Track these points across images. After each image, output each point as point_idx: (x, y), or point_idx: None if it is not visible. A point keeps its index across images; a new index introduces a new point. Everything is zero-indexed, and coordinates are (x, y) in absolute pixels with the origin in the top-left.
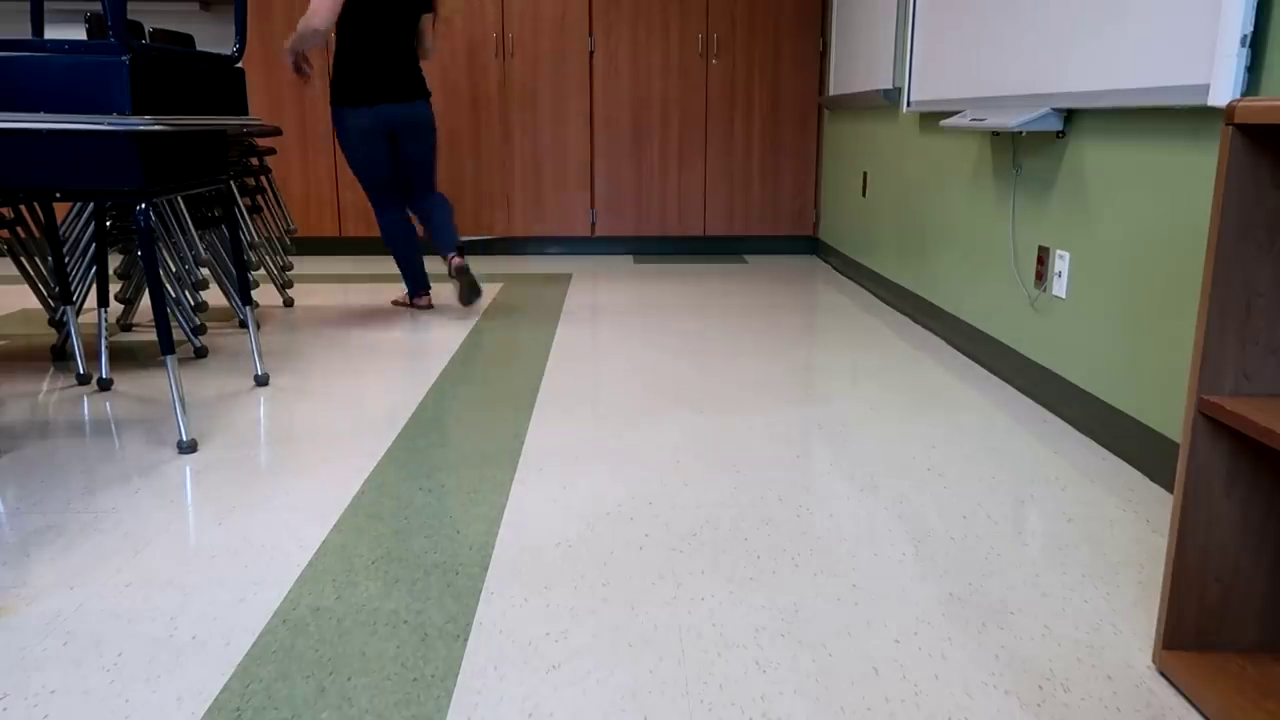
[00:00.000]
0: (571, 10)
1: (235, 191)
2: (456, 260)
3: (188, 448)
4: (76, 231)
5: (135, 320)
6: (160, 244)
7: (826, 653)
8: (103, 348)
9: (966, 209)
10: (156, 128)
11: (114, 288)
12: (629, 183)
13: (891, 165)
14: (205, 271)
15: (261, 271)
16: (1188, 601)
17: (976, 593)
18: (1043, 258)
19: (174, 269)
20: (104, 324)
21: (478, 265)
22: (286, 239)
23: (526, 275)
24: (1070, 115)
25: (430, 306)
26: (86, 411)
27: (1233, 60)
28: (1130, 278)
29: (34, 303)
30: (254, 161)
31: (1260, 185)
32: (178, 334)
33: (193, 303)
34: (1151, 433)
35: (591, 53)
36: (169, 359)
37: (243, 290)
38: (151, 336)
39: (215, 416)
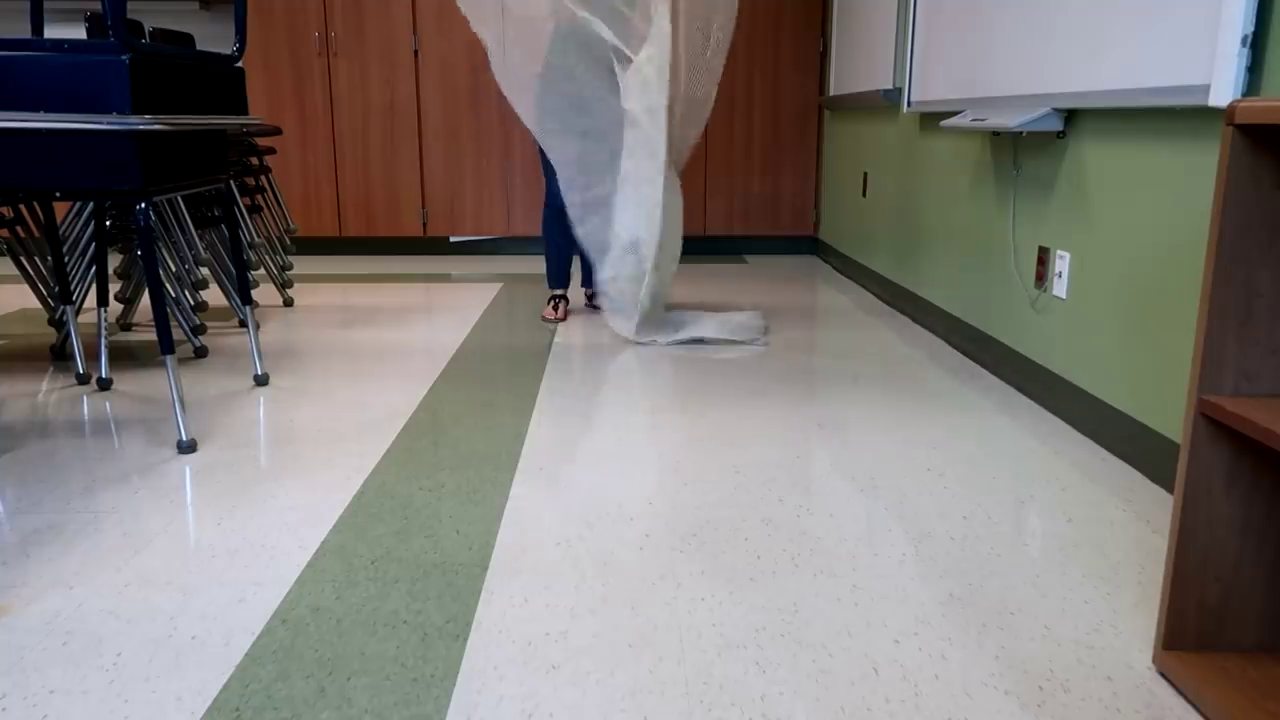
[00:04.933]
0: None
1: (235, 191)
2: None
3: (187, 448)
4: (76, 231)
5: (135, 320)
6: (160, 244)
7: (826, 653)
8: (102, 347)
9: (966, 209)
10: (156, 127)
11: (114, 287)
12: None
13: (892, 165)
14: (205, 271)
15: (261, 271)
16: (1188, 602)
17: (976, 593)
18: (1043, 258)
19: (174, 269)
20: (104, 324)
21: (478, 265)
22: (286, 239)
23: (527, 275)
24: (1070, 115)
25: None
26: (86, 411)
27: (1233, 60)
28: (1130, 278)
29: (34, 303)
30: (254, 161)
31: (1260, 185)
32: (177, 334)
33: (193, 303)
34: (1151, 433)
35: None
36: (169, 359)
37: (243, 290)
38: (151, 336)
39: (215, 416)
